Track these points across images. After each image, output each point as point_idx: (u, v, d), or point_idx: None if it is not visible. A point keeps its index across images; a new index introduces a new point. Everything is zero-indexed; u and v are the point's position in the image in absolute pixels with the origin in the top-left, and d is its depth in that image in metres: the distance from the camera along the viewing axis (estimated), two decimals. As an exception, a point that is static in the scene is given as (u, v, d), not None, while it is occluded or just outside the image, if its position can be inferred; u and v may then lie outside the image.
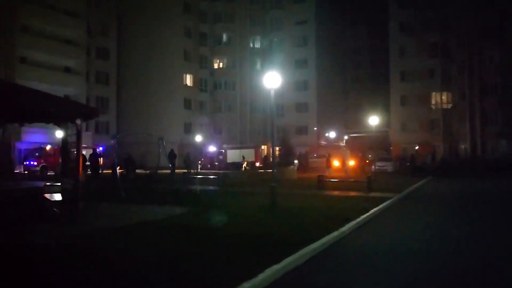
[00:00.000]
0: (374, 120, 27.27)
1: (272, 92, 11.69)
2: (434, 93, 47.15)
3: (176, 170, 24.88)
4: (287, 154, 34.36)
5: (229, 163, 39.68)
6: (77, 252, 6.16)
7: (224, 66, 55.04)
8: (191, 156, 32.00)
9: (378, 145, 46.02)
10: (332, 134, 51.73)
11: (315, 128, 52.74)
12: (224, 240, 7.04)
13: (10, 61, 35.57)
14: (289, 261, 5.81)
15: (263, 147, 48.07)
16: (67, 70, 42.13)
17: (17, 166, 31.40)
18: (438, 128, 46.26)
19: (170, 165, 22.20)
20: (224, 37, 54.91)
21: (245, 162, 36.89)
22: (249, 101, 54.47)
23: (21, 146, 34.27)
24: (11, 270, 5.19)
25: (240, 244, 6.75)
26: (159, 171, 20.08)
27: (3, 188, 8.08)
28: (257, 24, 55.82)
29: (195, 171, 28.63)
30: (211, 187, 17.60)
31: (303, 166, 34.97)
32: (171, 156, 20.68)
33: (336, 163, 30.97)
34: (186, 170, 27.96)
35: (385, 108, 50.84)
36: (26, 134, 33.95)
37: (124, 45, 50.55)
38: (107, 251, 6.24)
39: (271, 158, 16.50)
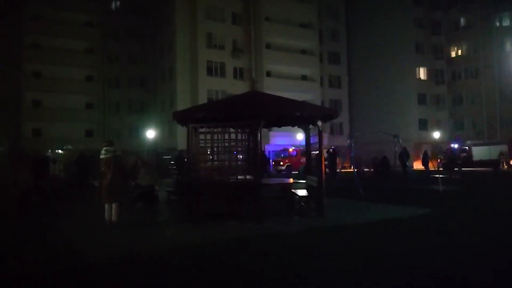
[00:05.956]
0: None
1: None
2: None
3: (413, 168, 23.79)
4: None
5: (476, 161, 35.32)
6: (342, 241, 6.74)
7: (464, 53, 49.37)
8: (427, 154, 30.05)
9: None
10: None
11: None
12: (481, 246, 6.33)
13: (259, 75, 41.45)
14: None
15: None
16: (304, 77, 46.03)
17: (267, 166, 36.26)
18: None
19: (402, 164, 21.43)
20: (462, 21, 49.28)
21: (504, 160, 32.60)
22: (497, 89, 47.07)
23: (269, 148, 39.40)
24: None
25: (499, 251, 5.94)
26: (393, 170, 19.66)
27: (264, 183, 9.44)
28: (503, -2, 47.82)
29: (435, 169, 26.71)
30: (455, 187, 16.06)
31: None
32: (403, 154, 19.86)
33: None
34: (424, 169, 26.44)
35: None
36: (272, 138, 39.29)
37: (353, 47, 51.69)
38: (365, 243, 6.58)
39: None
